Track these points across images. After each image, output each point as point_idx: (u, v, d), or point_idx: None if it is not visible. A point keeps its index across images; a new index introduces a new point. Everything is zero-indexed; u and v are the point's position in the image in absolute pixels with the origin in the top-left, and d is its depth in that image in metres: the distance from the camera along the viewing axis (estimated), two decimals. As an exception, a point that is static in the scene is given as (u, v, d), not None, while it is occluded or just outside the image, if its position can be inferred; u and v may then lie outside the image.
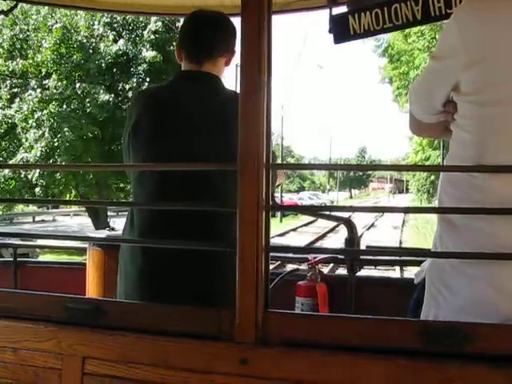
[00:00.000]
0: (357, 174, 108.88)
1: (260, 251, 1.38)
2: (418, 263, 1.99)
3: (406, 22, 2.58)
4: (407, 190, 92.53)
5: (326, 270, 11.21)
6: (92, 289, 2.62)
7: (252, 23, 1.39)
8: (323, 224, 27.58)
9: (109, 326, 1.50)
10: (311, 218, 30.41)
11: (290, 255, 2.69)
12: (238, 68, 1.45)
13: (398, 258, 2.79)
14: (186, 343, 1.43)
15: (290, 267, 2.42)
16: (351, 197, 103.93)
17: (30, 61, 18.49)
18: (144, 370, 1.44)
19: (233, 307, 1.40)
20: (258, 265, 1.37)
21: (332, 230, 25.44)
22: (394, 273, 12.04)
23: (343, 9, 2.72)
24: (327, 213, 2.55)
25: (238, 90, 1.43)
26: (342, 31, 2.69)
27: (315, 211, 2.48)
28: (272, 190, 2.22)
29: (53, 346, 1.52)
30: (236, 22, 1.93)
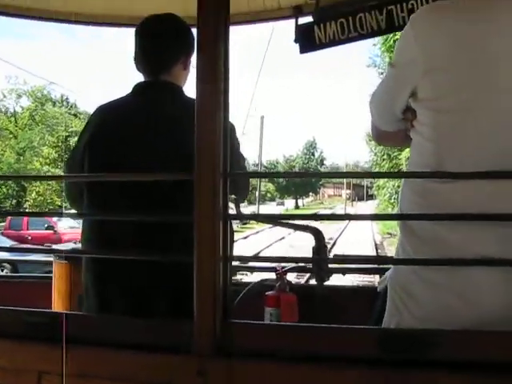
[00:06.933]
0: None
1: (218, 262, 1.36)
2: (384, 271, 1.99)
3: (370, 31, 2.61)
4: (369, 196, 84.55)
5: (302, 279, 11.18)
6: (57, 302, 2.57)
7: (208, 32, 1.39)
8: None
9: (66, 339, 1.47)
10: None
11: (258, 265, 2.68)
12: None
13: (364, 265, 2.80)
14: (143, 356, 1.40)
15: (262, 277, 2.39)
16: (297, 207, 79.73)
17: None
18: (101, 384, 1.41)
19: (191, 318, 1.38)
20: (216, 275, 1.36)
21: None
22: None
23: (309, 19, 2.73)
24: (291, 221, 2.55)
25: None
26: (307, 41, 2.70)
27: (277, 220, 2.48)
28: (239, 199, 2.20)
29: (8, 361, 1.49)
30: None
